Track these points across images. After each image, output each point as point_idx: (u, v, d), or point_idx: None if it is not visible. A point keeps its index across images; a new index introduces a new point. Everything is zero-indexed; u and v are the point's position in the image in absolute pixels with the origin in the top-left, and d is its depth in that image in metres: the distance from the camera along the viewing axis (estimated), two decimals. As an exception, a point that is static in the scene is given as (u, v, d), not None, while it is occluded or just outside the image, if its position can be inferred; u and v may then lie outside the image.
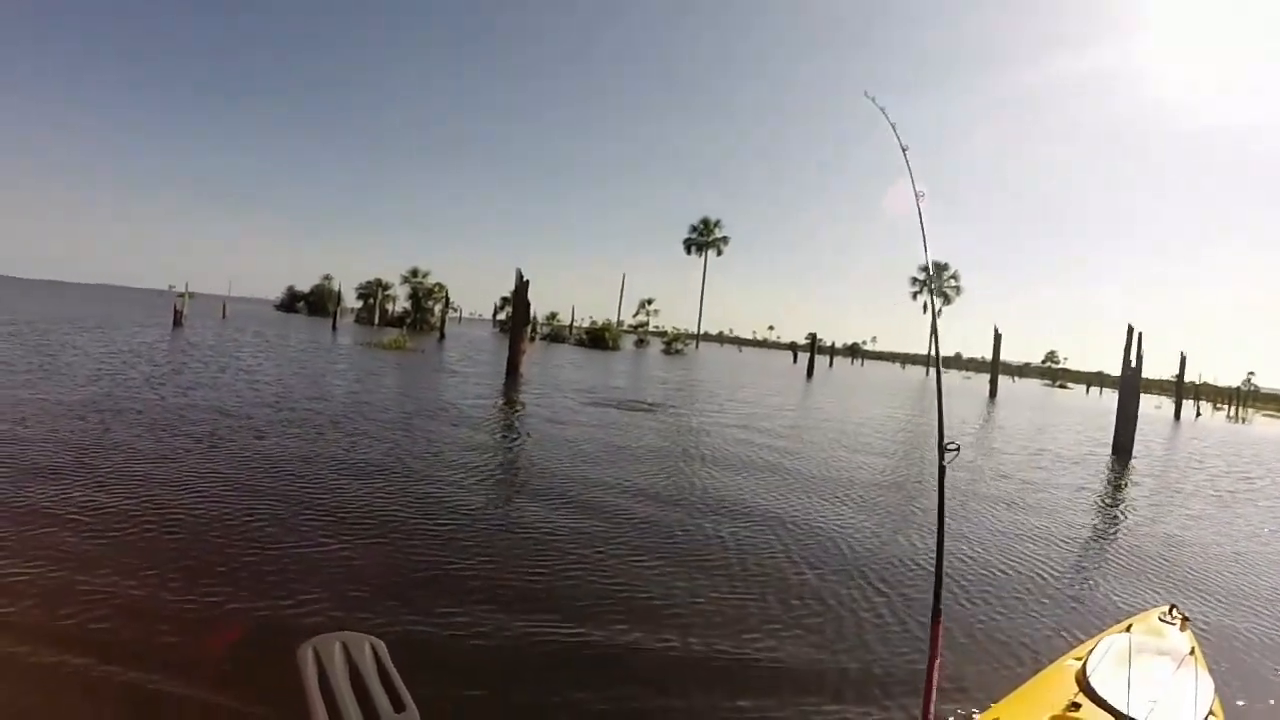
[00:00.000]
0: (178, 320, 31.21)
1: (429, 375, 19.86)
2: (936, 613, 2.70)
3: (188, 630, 3.79)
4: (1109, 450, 17.05)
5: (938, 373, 3.34)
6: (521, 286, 20.28)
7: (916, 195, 3.39)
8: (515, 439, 10.85)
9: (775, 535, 6.82)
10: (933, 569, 2.83)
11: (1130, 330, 17.22)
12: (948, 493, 2.96)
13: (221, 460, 7.59)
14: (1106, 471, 13.83)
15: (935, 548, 2.76)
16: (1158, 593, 4.82)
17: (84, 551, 4.73)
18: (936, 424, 3.08)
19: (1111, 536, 8.70)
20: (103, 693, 3.21)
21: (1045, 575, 6.54)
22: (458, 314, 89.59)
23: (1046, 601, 5.80)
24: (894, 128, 3.72)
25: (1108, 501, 10.68)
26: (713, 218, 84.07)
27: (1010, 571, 6.53)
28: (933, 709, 2.57)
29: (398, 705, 1.39)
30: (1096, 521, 9.35)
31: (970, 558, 6.78)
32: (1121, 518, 9.76)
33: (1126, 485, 12.51)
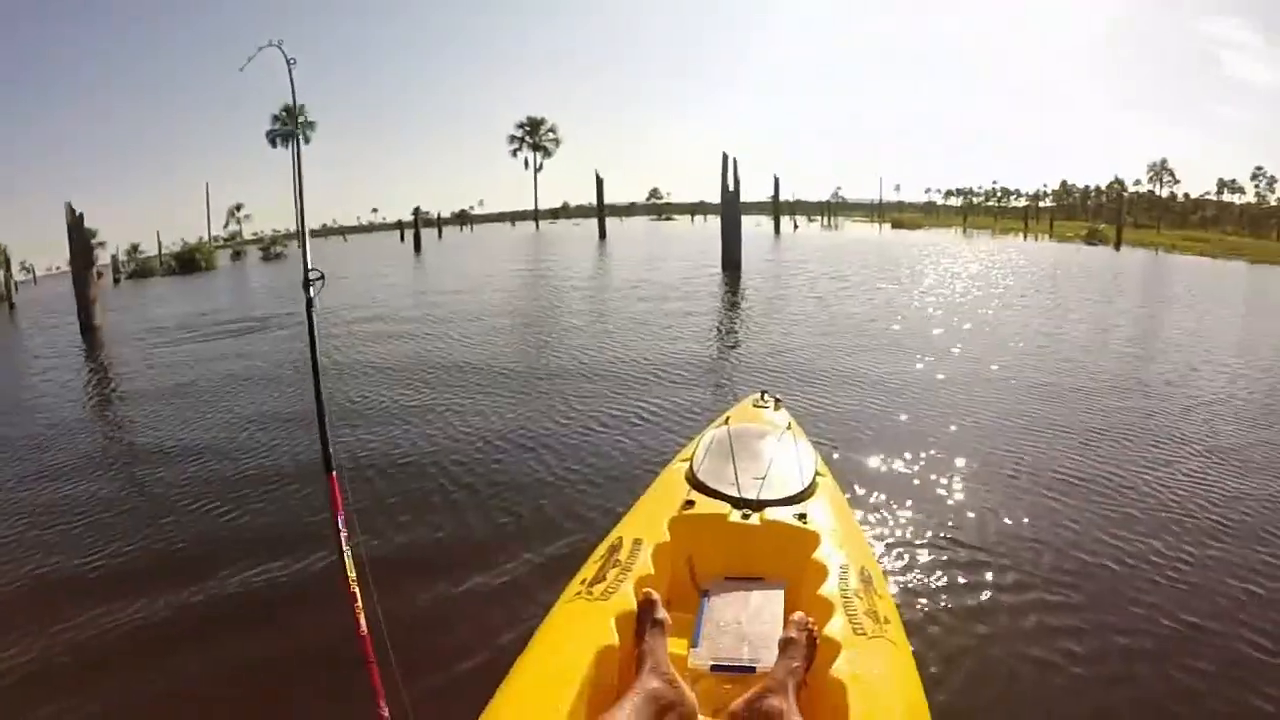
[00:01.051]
0: None
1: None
2: (328, 463, 2.43)
3: None
4: (719, 268, 19.11)
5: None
6: (75, 223, 17.52)
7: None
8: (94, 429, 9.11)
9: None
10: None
11: (725, 157, 19.27)
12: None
13: None
14: (719, 287, 15.84)
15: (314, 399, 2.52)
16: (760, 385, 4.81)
17: None
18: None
19: (719, 343, 9.86)
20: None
21: (661, 389, 7.37)
22: (30, 273, 78.30)
23: (661, 413, 6.56)
24: None
25: (718, 312, 12.22)
26: (298, 103, 79.38)
27: (623, 388, 7.47)
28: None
29: None
30: (707, 331, 10.68)
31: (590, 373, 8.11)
32: (727, 325, 11.18)
33: (740, 297, 14.36)
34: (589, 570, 2.48)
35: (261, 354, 11.84)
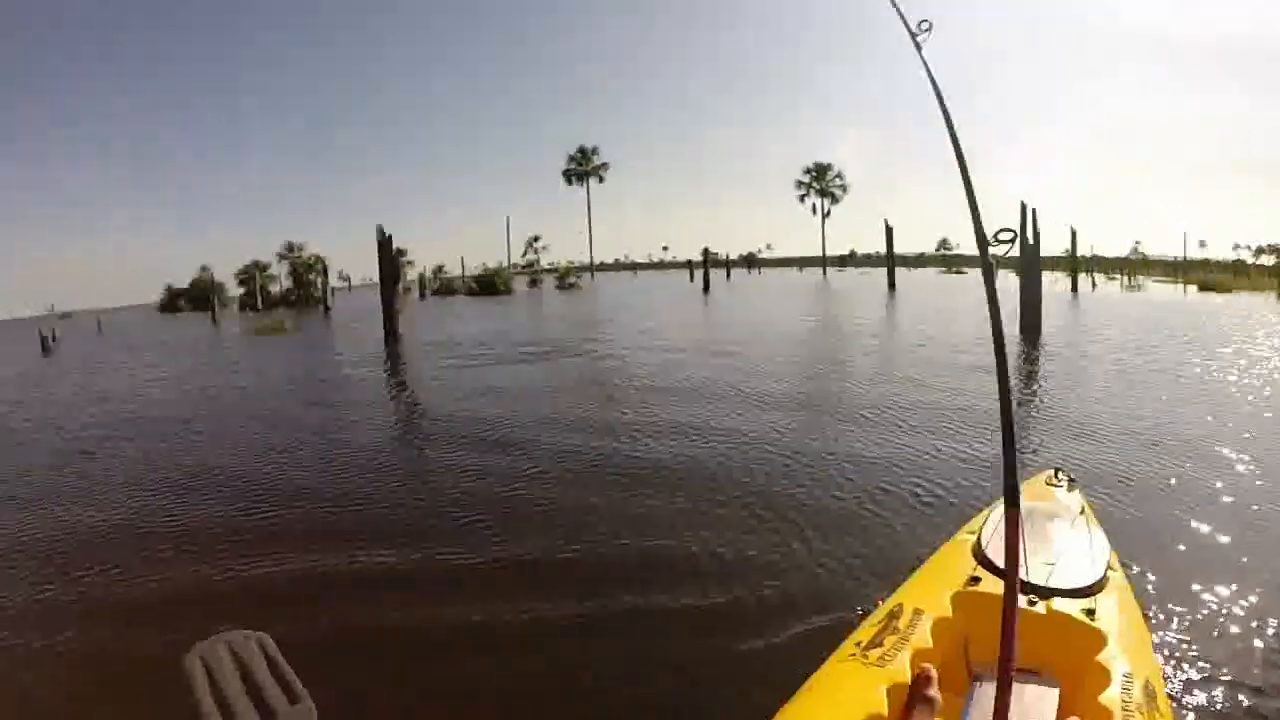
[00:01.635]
0: (45, 346, 29.15)
1: (303, 356, 18.78)
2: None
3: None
4: (1017, 331, 16.70)
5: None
6: (384, 243, 19.31)
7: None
8: (383, 415, 10.13)
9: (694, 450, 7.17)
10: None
11: (1023, 207, 17.05)
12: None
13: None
14: (1015, 352, 13.77)
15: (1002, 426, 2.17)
16: (1054, 462, 4.59)
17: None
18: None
19: (1020, 415, 8.64)
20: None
21: (944, 457, 6.77)
22: (347, 283, 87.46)
23: (943, 482, 6.01)
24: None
25: (1018, 386, 10.59)
26: (590, 146, 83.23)
27: (911, 454, 6.81)
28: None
29: (292, 698, 1.31)
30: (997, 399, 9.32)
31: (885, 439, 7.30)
32: (1022, 393, 9.93)
33: (1039, 364, 12.59)
34: (865, 633, 2.43)
35: (554, 375, 12.26)
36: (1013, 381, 9.74)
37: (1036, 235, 17.39)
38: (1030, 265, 17.36)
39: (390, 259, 19.71)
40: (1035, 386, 10.75)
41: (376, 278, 19.48)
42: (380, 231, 19.25)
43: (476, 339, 18.98)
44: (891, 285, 40.58)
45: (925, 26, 2.46)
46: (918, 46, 2.43)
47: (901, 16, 2.44)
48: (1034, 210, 17.14)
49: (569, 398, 10.31)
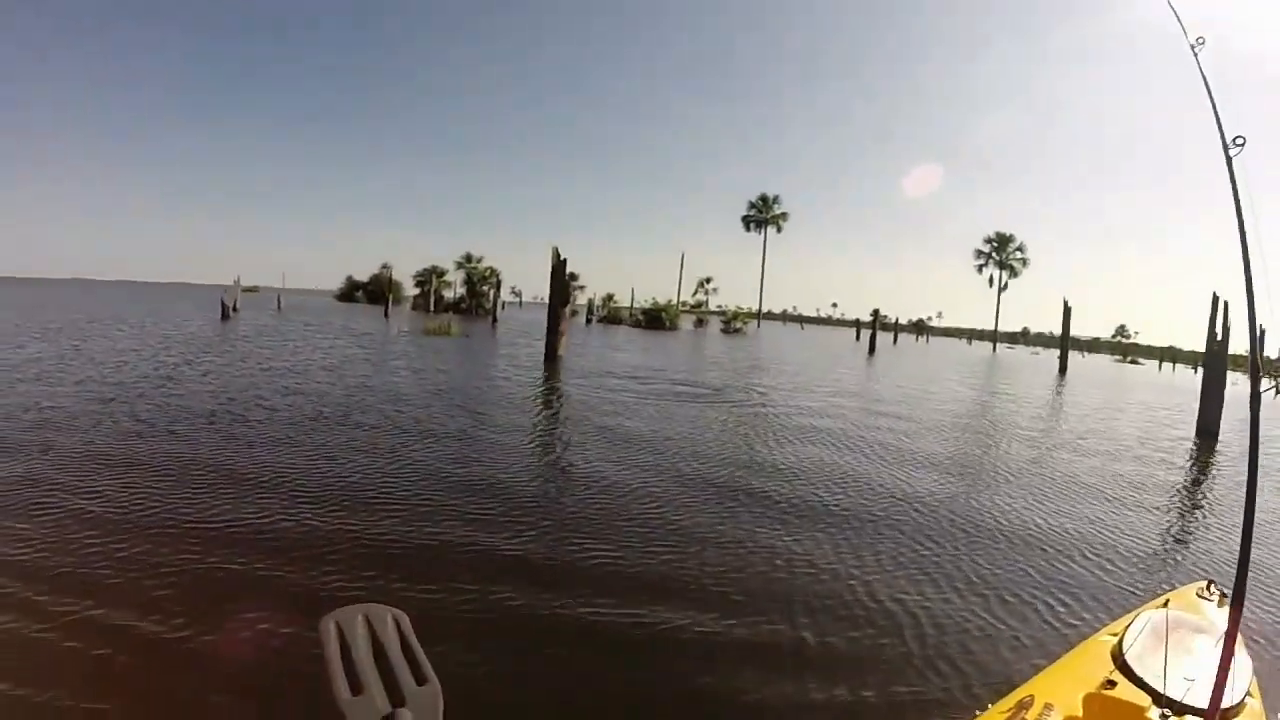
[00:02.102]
0: (225, 314, 31.31)
1: (463, 361, 19.14)
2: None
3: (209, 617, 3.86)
4: (1193, 432, 15.38)
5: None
6: (558, 266, 19.34)
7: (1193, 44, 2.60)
8: (534, 435, 9.96)
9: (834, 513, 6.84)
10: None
11: (1215, 300, 15.37)
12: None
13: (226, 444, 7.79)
14: (1186, 456, 12.49)
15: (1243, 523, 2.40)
16: (1208, 574, 4.56)
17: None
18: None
19: (1172, 518, 8.21)
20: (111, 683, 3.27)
21: (1094, 554, 6.39)
22: (518, 298, 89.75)
23: (1089, 578, 5.74)
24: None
25: (1183, 492, 9.70)
26: (771, 194, 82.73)
27: (1076, 554, 6.33)
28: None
29: (420, 678, 1.35)
30: (1160, 503, 8.79)
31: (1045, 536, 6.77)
32: (1185, 500, 9.14)
33: (1208, 474, 11.27)
34: (993, 718, 2.48)
35: (707, 420, 11.74)
36: (1173, 483, 10.07)
37: (1226, 331, 15.68)
38: (1216, 362, 15.84)
39: (563, 282, 19.72)
40: (1203, 496, 9.78)
41: (546, 296, 19.21)
42: (556, 254, 19.37)
43: (634, 372, 18.84)
44: (1063, 369, 38.41)
45: (1239, 141, 2.38)
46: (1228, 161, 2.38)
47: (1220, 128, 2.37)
48: (1226, 303, 15.32)
49: (715, 439, 10.03)
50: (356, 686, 1.29)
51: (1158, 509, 8.45)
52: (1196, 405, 16.13)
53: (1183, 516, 8.42)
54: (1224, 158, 2.37)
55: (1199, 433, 15.26)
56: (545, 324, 19.68)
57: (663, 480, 7.46)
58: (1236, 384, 37.18)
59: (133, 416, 8.83)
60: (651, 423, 10.81)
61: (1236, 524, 7.41)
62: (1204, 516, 8.62)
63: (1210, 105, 2.47)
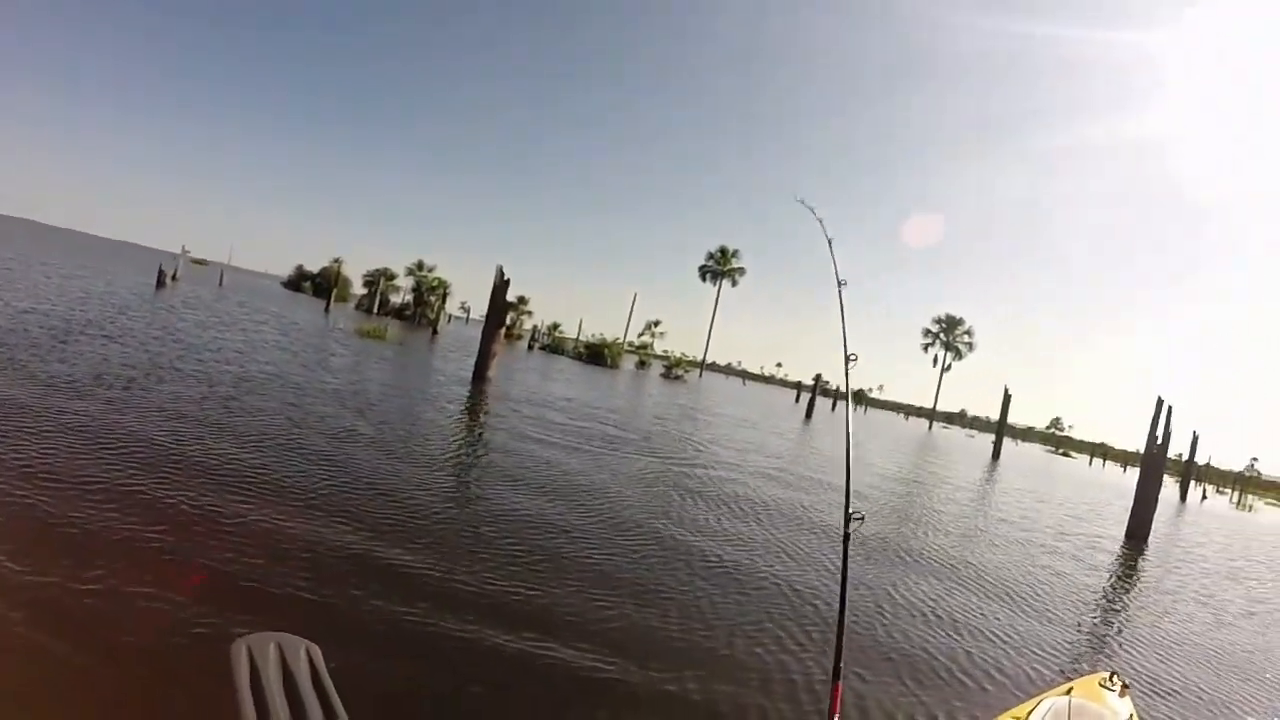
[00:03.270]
0: (161, 281, 30.07)
1: (386, 368, 18.10)
2: (836, 672, 2.64)
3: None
4: (1122, 534, 15.38)
5: (846, 434, 3.34)
6: (500, 285, 18.62)
7: (839, 284, 3.67)
8: (427, 453, 9.20)
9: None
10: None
11: (1160, 403, 15.49)
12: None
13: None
14: (1113, 556, 12.53)
15: (838, 610, 2.71)
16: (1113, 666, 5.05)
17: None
18: (844, 491, 3.00)
19: (1087, 609, 8.45)
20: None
21: (1006, 638, 6.58)
22: (466, 314, 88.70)
23: (1001, 663, 5.87)
24: (821, 223, 4.12)
25: (1102, 581, 10.12)
26: (731, 248, 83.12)
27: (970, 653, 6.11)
28: None
29: (330, 715, 1.28)
30: (1077, 593, 9.06)
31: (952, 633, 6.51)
32: (1105, 594, 9.44)
33: (1135, 572, 11.53)
34: None
35: (620, 470, 10.97)
36: (1096, 578, 10.23)
37: (1167, 436, 15.71)
38: (1153, 466, 15.67)
39: (502, 302, 18.95)
40: (1120, 589, 10.13)
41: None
42: (500, 273, 18.67)
43: (563, 405, 18.18)
44: (996, 455, 38.91)
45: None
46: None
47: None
48: (1170, 408, 15.49)
49: (620, 490, 9.38)
50: (264, 716, 1.24)
51: (1079, 605, 8.52)
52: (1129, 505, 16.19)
53: (1102, 612, 8.52)
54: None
55: (1129, 534, 15.24)
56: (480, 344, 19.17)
57: (552, 521, 7.08)
58: (1164, 486, 38.08)
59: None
60: (560, 460, 10.30)
61: (1144, 627, 8.01)
62: (1119, 608, 8.91)
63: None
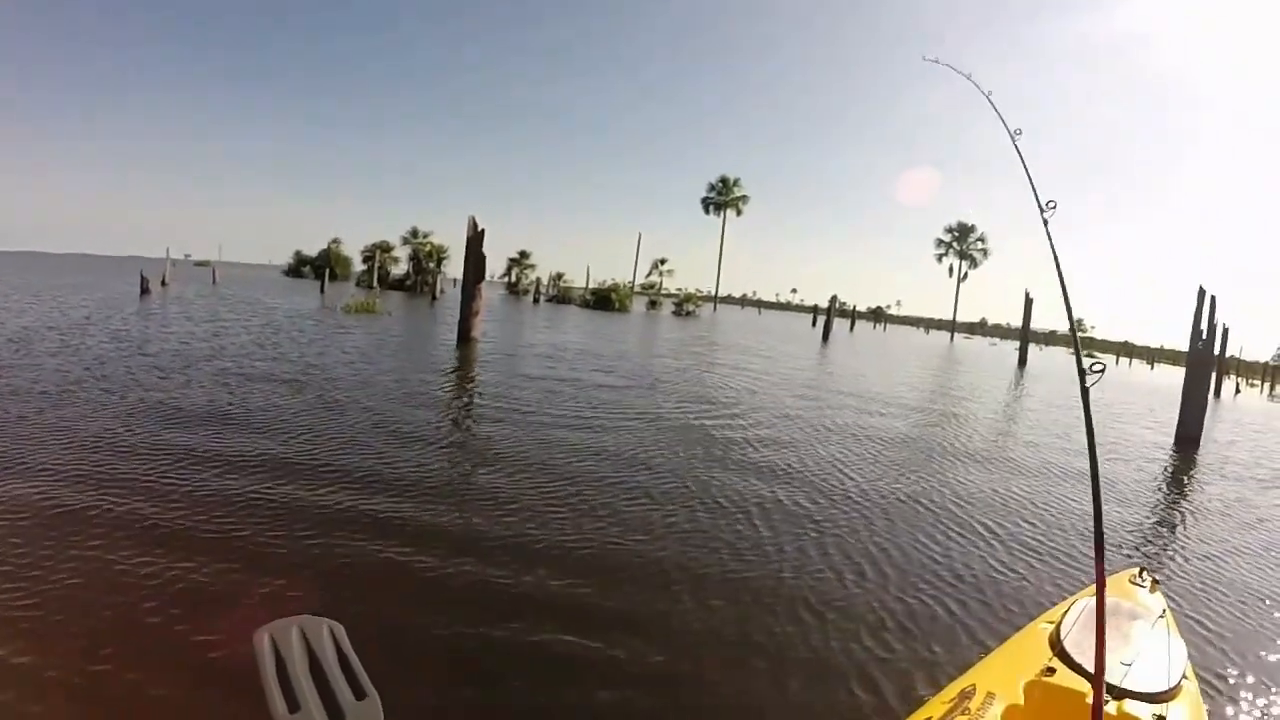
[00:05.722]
0: (145, 287, 28.31)
1: (358, 342, 16.49)
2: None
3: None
4: (1171, 440, 13.73)
5: (1074, 344, 2.88)
6: (474, 238, 17.31)
7: (1013, 135, 3.26)
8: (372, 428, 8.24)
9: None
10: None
11: (1201, 293, 13.75)
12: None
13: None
14: (1159, 462, 11.32)
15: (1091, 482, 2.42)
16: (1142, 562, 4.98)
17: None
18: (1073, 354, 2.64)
19: (1121, 507, 8.05)
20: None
21: (1035, 544, 6.38)
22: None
23: (1030, 566, 5.75)
24: (969, 78, 3.82)
25: (1137, 482, 9.49)
26: (732, 176, 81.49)
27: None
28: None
29: (358, 693, 1.28)
30: (1113, 493, 8.62)
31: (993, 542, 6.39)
32: (1138, 493, 8.92)
33: (1183, 482, 10.25)
34: (935, 709, 2.49)
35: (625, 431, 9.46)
36: (1134, 479, 9.84)
37: (1211, 329, 14.10)
38: (1200, 364, 14.23)
39: (479, 255, 17.71)
40: (1158, 491, 9.44)
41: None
42: (472, 224, 17.25)
43: (560, 357, 17.22)
44: (1022, 361, 37.81)
45: (1052, 205, 2.82)
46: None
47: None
48: (1214, 298, 13.79)
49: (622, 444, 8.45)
50: (293, 703, 1.22)
51: (1113, 496, 8.35)
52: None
53: (1132, 504, 8.28)
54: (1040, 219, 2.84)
55: (1178, 440, 13.72)
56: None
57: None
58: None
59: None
60: (552, 427, 9.05)
61: (1190, 533, 7.53)
62: (1154, 508, 8.48)
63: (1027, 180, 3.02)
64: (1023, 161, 3.12)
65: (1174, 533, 7.55)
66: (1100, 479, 2.36)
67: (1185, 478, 10.60)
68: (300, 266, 64.91)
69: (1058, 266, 2.75)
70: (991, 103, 3.47)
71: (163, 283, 33.15)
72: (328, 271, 47.31)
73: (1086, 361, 2.43)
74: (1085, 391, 2.47)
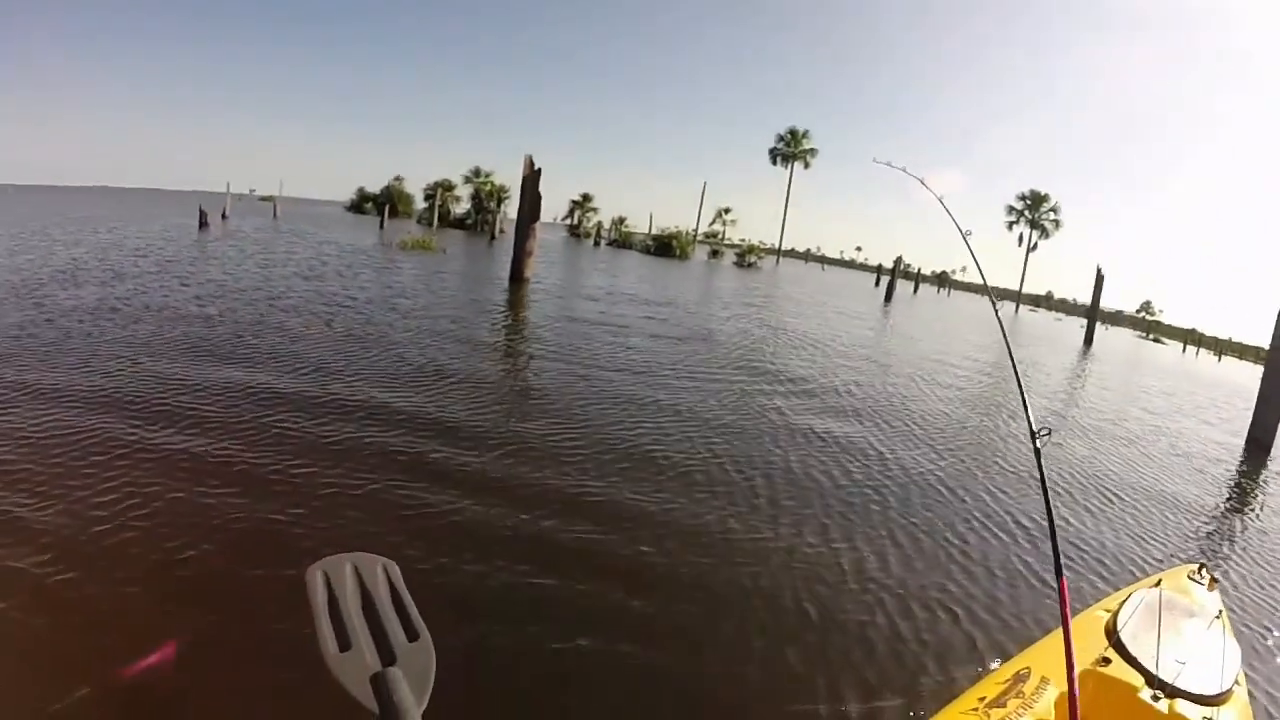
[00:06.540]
0: (203, 221, 28.16)
1: (410, 279, 16.34)
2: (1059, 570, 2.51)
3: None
4: (1240, 443, 12.44)
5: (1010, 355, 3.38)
6: (530, 176, 16.77)
7: (964, 235, 3.72)
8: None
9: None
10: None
11: None
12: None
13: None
14: (1226, 467, 10.25)
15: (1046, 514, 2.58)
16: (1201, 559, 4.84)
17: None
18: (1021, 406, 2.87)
19: (1182, 507, 7.55)
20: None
21: (1097, 533, 6.18)
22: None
23: (1092, 555, 5.58)
24: (923, 183, 4.05)
25: (1202, 482, 8.89)
26: (800, 129, 79.49)
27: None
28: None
29: (411, 634, 1.16)
30: (1173, 491, 8.11)
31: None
32: (1201, 495, 8.25)
33: (1252, 489, 9.36)
34: (989, 689, 2.52)
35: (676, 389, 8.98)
36: (1199, 477, 9.30)
37: None
38: None
39: (535, 195, 17.13)
40: (1219, 493, 8.77)
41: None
42: (529, 163, 16.74)
43: (615, 300, 16.77)
44: (1089, 341, 35.22)
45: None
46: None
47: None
48: None
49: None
50: (345, 641, 1.11)
51: (1170, 495, 7.85)
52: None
53: (1193, 507, 7.69)
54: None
55: (1249, 442, 12.38)
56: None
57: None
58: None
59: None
60: (598, 383, 8.63)
61: (1253, 539, 7.09)
62: (1214, 506, 8.04)
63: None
64: (976, 261, 3.73)
65: (1234, 535, 7.23)
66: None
67: (1253, 483, 9.75)
68: (363, 203, 65.24)
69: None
70: (944, 205, 3.84)
71: (223, 216, 33.25)
72: (387, 208, 47.31)
73: (1037, 426, 2.69)
74: (1037, 452, 2.69)
